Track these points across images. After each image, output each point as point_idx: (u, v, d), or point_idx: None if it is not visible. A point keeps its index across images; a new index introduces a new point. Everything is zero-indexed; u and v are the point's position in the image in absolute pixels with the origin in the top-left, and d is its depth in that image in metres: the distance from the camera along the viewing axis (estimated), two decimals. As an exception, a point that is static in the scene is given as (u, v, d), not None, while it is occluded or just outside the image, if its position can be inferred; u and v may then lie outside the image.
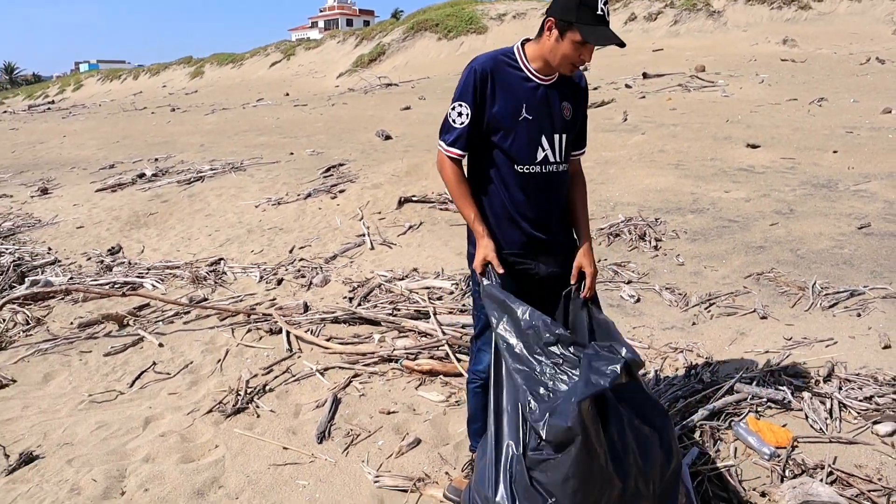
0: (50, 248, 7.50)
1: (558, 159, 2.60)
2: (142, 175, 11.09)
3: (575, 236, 2.79)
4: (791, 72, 14.21)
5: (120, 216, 8.66)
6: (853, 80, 12.72)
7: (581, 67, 2.50)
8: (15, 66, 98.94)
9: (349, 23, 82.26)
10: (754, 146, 8.09)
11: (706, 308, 4.63)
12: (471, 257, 2.68)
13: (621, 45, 2.41)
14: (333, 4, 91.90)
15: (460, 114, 2.52)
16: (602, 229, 6.17)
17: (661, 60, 17.96)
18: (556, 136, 2.56)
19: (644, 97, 12.66)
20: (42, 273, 6.51)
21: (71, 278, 6.23)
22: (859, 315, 4.34)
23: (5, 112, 38.07)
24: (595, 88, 14.26)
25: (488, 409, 2.31)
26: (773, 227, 5.85)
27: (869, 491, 2.82)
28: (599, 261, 5.60)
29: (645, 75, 15.21)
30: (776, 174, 7.31)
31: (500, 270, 2.52)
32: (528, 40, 2.57)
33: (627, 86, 14.34)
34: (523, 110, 2.50)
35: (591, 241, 2.79)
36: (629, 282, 5.13)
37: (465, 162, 2.64)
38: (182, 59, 47.19)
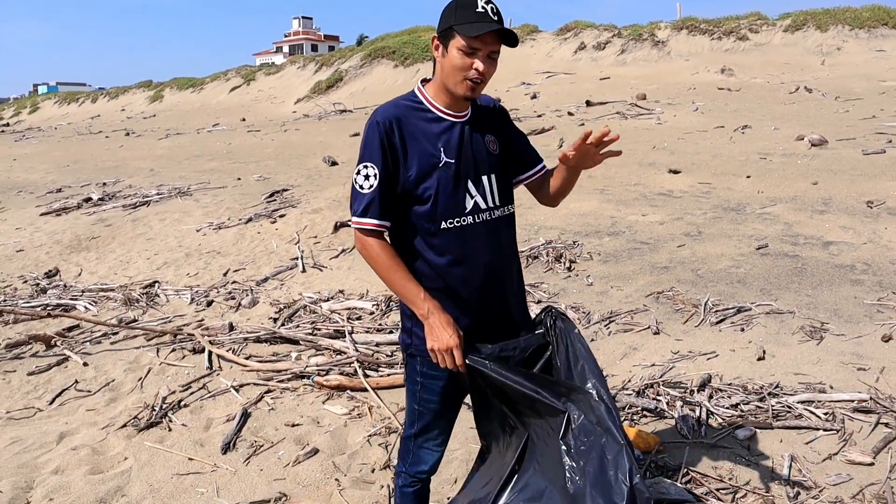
0: (-14, 272, 7.58)
1: (492, 204, 2.20)
2: (88, 199, 11.16)
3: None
4: (725, 100, 14.86)
5: (61, 240, 8.75)
6: (780, 108, 13.38)
7: (477, 80, 2.07)
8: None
9: (314, 48, 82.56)
10: (676, 171, 8.53)
11: (605, 325, 4.94)
12: (414, 338, 2.22)
13: (510, 40, 2.08)
14: (298, 30, 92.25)
15: (367, 177, 2.10)
16: (522, 252, 6.48)
17: (606, 89, 18.57)
18: (485, 178, 2.18)
19: (583, 124, 13.14)
20: (-24, 296, 6.60)
21: (4, 300, 6.34)
22: (743, 330, 4.69)
23: (-43, 135, 37.47)
24: (539, 116, 14.75)
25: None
26: (680, 249, 6.22)
27: (718, 490, 3.11)
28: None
29: (588, 103, 15.75)
30: (692, 198, 7.73)
31: (461, 368, 2.06)
32: (426, 80, 2.24)
33: (570, 113, 14.85)
34: (441, 154, 2.12)
35: None
36: (538, 301, 5.43)
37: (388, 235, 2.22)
38: (142, 82, 46.96)
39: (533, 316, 2.40)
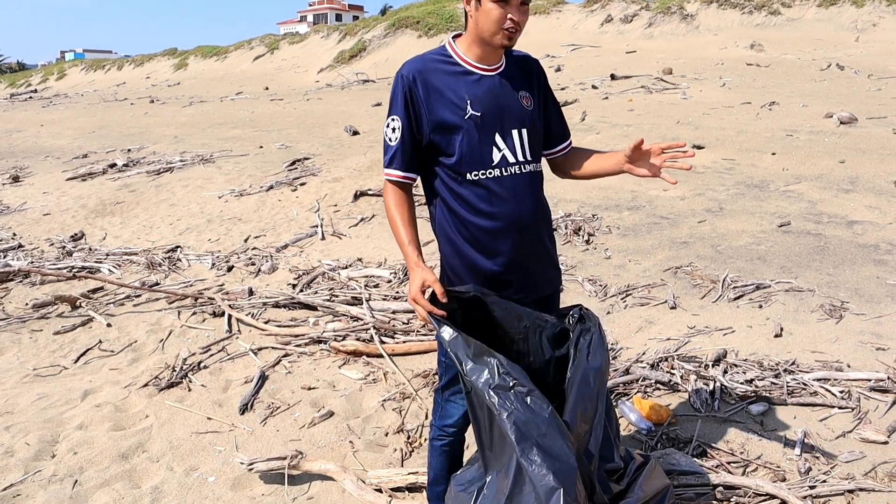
0: (15, 234, 7.72)
1: (521, 158, 2.17)
2: (113, 165, 11.28)
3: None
4: (753, 76, 14.60)
5: (87, 204, 8.87)
6: (810, 85, 13.12)
7: (513, 28, 2.08)
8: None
9: (338, 17, 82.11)
10: (699, 147, 8.42)
11: (622, 298, 4.93)
12: (441, 279, 2.27)
13: None
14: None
15: (393, 129, 2.16)
16: (542, 224, 6.47)
17: (633, 62, 18.31)
18: (515, 132, 2.16)
19: (607, 98, 13.00)
20: (4, 257, 6.74)
21: (31, 262, 6.46)
22: (761, 307, 4.66)
23: (-14, 99, 37.93)
24: (562, 89, 14.59)
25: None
26: (700, 224, 6.18)
27: (728, 462, 3.12)
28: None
29: (613, 77, 15.55)
30: (715, 174, 7.65)
31: (443, 298, 2.08)
32: (458, 35, 2.25)
33: (594, 87, 14.68)
34: (468, 107, 2.12)
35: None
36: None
37: (418, 187, 2.29)
38: (167, 50, 47.06)
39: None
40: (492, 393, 1.89)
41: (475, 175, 2.14)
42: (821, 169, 7.51)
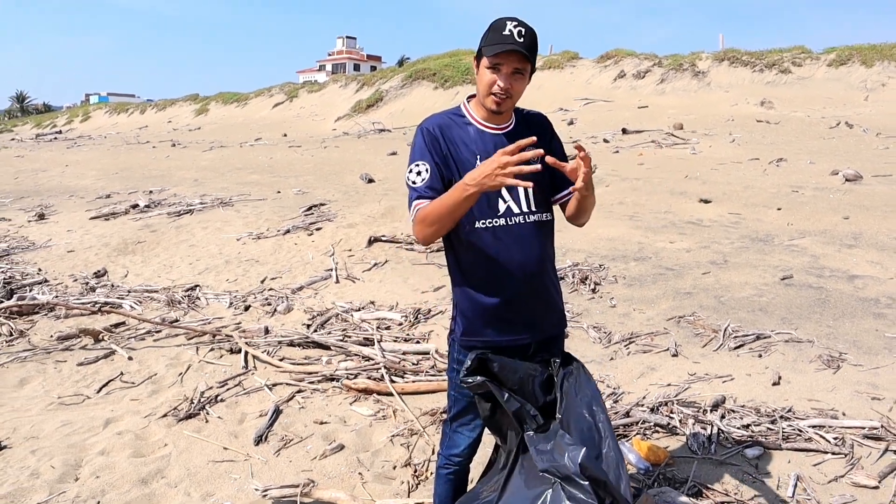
0: (40, 269, 7.98)
1: (526, 209, 2.36)
2: (135, 206, 11.62)
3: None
4: (763, 133, 14.89)
5: (109, 243, 9.16)
6: (818, 142, 13.39)
7: (501, 95, 2.25)
8: (26, 96, 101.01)
9: (356, 67, 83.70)
10: (706, 201, 8.65)
11: (626, 345, 5.09)
12: (456, 325, 2.48)
13: (515, 48, 2.21)
14: (342, 49, 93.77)
15: (419, 172, 2.31)
16: (550, 272, 6.66)
17: (644, 117, 18.69)
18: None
19: (618, 152, 13.30)
20: (30, 291, 6.98)
21: (56, 296, 6.70)
22: (760, 356, 4.80)
23: (13, 139, 38.97)
24: (574, 142, 14.90)
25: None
26: (705, 276, 6.35)
27: (722, 502, 3.25)
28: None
29: (624, 131, 15.89)
30: (721, 228, 7.84)
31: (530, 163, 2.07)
32: (472, 96, 2.44)
33: (605, 140, 15.01)
34: (477, 161, 2.29)
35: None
36: (563, 320, 5.59)
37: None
38: (189, 96, 48.34)
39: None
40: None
41: (483, 223, 2.32)
42: (825, 224, 7.69)
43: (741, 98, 20.02)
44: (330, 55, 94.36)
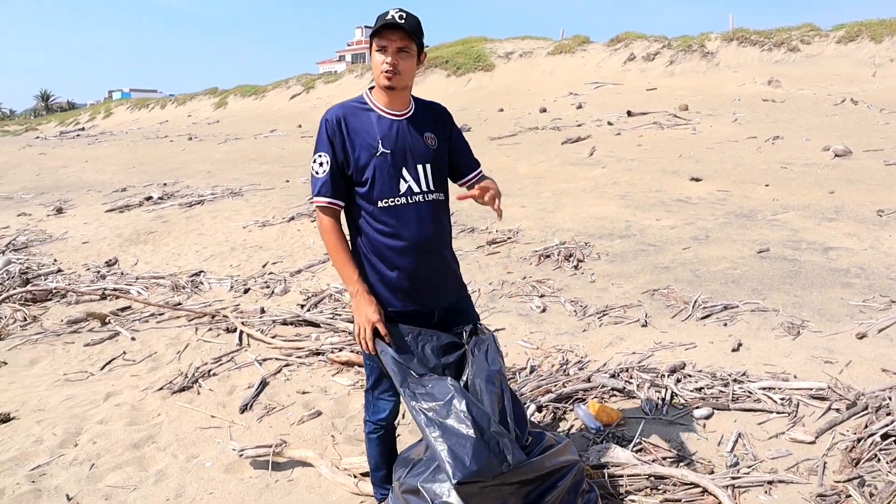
0: (55, 260, 8.40)
1: (425, 188, 2.59)
2: (149, 198, 12.03)
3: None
4: (767, 111, 14.91)
5: (122, 234, 9.56)
6: (820, 119, 13.42)
7: (390, 71, 2.50)
8: (50, 94, 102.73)
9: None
10: (697, 179, 8.80)
11: (599, 318, 5.32)
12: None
13: (395, 23, 2.46)
14: (361, 39, 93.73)
15: (321, 164, 2.54)
16: (536, 251, 6.90)
17: (652, 99, 18.75)
18: (420, 167, 2.59)
19: (619, 134, 13.44)
20: (45, 280, 7.39)
21: (69, 284, 7.09)
22: (725, 325, 5.01)
23: (37, 138, 39.81)
24: (579, 125, 15.09)
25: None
26: (684, 251, 6.55)
27: (664, 458, 3.48)
28: (524, 277, 6.34)
29: (629, 113, 16.00)
30: (708, 205, 8.02)
31: (387, 338, 2.52)
32: (374, 87, 2.66)
33: (610, 123, 15.14)
34: (379, 145, 2.53)
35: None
36: (542, 295, 5.85)
37: (344, 218, 2.67)
38: (208, 90, 48.89)
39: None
40: (410, 403, 2.42)
41: (385, 202, 2.56)
42: (809, 199, 7.84)
43: (749, 78, 19.96)
44: (349, 45, 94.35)
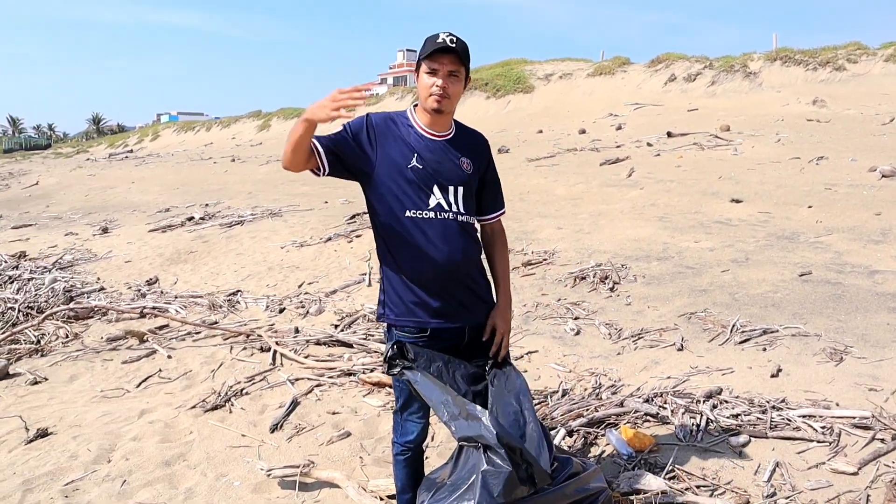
0: (98, 278, 8.60)
1: (455, 210, 2.57)
2: (191, 218, 12.28)
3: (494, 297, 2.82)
4: (811, 132, 14.61)
5: (164, 253, 9.75)
6: (867, 139, 13.08)
7: (439, 94, 2.48)
8: (101, 117, 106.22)
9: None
10: (737, 201, 8.64)
11: (634, 341, 5.23)
12: (386, 309, 2.68)
13: (449, 47, 2.45)
14: (402, 62, 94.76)
15: (339, 130, 2.56)
16: (572, 273, 6.84)
17: (693, 120, 18.53)
18: (451, 188, 2.57)
19: (658, 155, 13.29)
20: (88, 298, 7.56)
21: (110, 302, 7.24)
22: (765, 350, 4.88)
23: (88, 160, 41.08)
24: (618, 146, 14.98)
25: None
26: (723, 274, 6.41)
27: (698, 486, 3.39)
28: (559, 299, 6.28)
29: (669, 134, 15.82)
30: (748, 227, 7.86)
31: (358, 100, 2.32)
32: (417, 105, 2.65)
33: (649, 144, 14.99)
34: (413, 159, 2.53)
35: (510, 301, 2.83)
36: (576, 318, 5.78)
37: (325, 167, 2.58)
38: (252, 112, 49.91)
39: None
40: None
41: (413, 214, 2.54)
42: (855, 221, 7.63)
43: (793, 97, 19.60)
44: (391, 68, 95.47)
